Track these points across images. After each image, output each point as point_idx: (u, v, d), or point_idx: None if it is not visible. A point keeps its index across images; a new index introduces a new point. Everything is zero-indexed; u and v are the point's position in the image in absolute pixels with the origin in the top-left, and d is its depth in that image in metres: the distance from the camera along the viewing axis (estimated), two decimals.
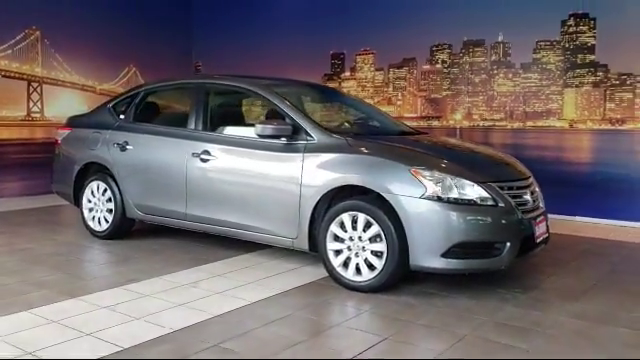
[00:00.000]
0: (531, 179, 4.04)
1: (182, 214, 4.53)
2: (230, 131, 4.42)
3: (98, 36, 8.44)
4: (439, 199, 3.38)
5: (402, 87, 8.22)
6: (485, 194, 3.45)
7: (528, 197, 3.77)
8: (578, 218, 6.23)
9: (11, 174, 7.67)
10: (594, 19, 6.51)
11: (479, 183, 3.48)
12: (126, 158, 4.85)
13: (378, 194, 3.52)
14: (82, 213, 5.15)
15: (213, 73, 5.94)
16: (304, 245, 3.89)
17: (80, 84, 8.64)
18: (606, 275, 4.14)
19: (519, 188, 3.76)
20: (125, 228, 5.01)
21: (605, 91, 6.58)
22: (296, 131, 3.95)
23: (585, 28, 6.59)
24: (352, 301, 3.46)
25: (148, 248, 4.71)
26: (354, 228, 3.62)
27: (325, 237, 3.72)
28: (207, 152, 4.35)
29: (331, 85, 8.31)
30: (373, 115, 5.23)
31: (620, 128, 6.55)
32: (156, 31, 9.34)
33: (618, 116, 6.53)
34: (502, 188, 3.57)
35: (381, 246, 3.49)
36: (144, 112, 5.07)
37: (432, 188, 3.40)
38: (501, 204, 3.48)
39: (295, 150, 3.92)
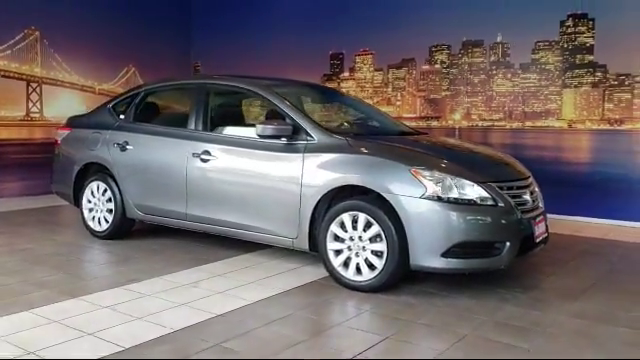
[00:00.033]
0: (530, 179, 4.05)
1: (182, 214, 4.53)
2: (230, 131, 4.43)
3: (97, 36, 8.44)
4: (439, 199, 3.40)
5: (401, 87, 8.24)
6: (485, 194, 3.47)
7: (527, 197, 3.78)
8: (577, 218, 6.24)
9: (10, 174, 7.67)
10: (593, 19, 6.53)
11: (479, 183, 3.49)
12: (126, 158, 4.85)
13: (378, 194, 3.53)
14: (82, 213, 5.15)
15: (212, 73, 5.94)
16: (304, 245, 3.90)
17: (79, 84, 8.64)
18: (605, 275, 4.15)
19: (519, 188, 3.78)
20: (125, 228, 5.02)
21: (604, 91, 6.60)
22: (296, 131, 3.96)
23: (584, 28, 6.60)
24: (352, 301, 3.47)
25: (148, 248, 4.72)
26: (354, 228, 3.62)
27: (325, 237, 3.73)
28: (207, 152, 4.35)
29: (330, 85, 8.31)
30: (373, 115, 5.24)
31: (618, 128, 6.57)
32: (155, 31, 9.34)
33: (617, 116, 6.55)
34: (502, 188, 3.59)
35: (381, 246, 3.50)
36: (144, 112, 5.07)
37: (432, 188, 3.41)
38: (501, 204, 3.49)
39: (295, 150, 3.93)
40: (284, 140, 3.98)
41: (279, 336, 2.86)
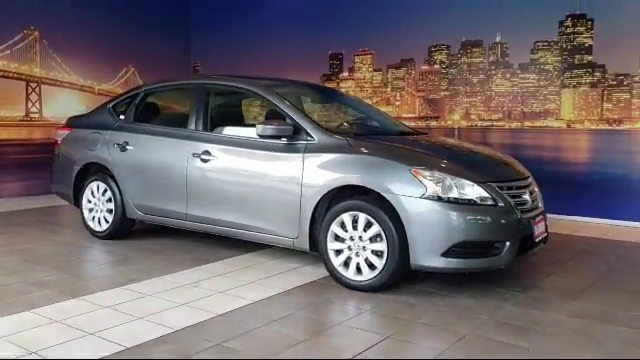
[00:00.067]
0: (530, 179, 4.06)
1: (182, 214, 4.54)
2: (230, 131, 4.44)
3: (97, 36, 8.43)
4: (439, 199, 3.41)
5: (400, 87, 8.25)
6: (485, 194, 3.48)
7: (527, 197, 3.80)
8: (576, 218, 6.26)
9: (10, 174, 7.67)
10: (591, 20, 6.54)
11: (479, 183, 3.50)
12: (126, 158, 4.85)
13: (378, 194, 3.54)
14: (82, 213, 5.16)
15: (212, 73, 5.95)
16: (305, 245, 3.91)
17: (79, 84, 8.64)
18: (604, 274, 4.17)
19: (518, 188, 3.79)
20: (125, 228, 5.02)
21: (602, 91, 6.62)
22: (297, 131, 3.97)
23: (582, 29, 6.62)
24: (353, 300, 3.48)
25: (148, 248, 4.72)
26: (355, 228, 3.63)
27: (326, 237, 3.74)
28: (207, 152, 4.36)
29: (329, 85, 8.32)
30: (372, 115, 5.25)
31: (617, 128, 6.58)
32: (155, 31, 9.34)
33: (615, 116, 6.57)
34: (501, 188, 3.60)
35: (381, 246, 3.51)
36: (144, 112, 5.08)
37: (432, 188, 3.42)
38: (500, 204, 3.50)
39: (296, 150, 3.94)
40: (284, 140, 3.99)
41: (280, 336, 2.87)
